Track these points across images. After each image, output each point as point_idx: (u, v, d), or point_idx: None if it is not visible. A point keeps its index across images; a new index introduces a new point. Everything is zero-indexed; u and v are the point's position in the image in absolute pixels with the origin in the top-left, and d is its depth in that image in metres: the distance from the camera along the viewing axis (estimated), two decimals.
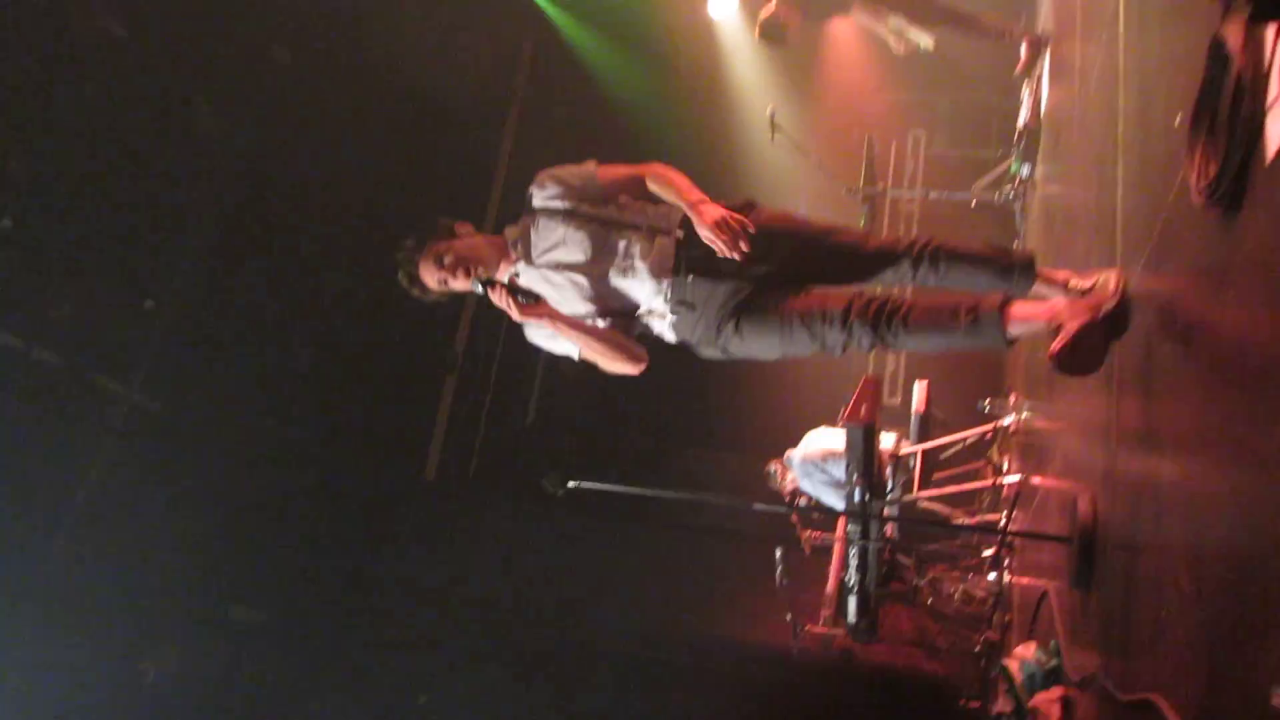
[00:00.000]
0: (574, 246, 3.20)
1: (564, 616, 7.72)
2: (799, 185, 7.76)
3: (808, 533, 5.94)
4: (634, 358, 3.26)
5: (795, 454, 6.00)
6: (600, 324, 3.28)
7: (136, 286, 6.38)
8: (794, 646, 6.18)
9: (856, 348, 2.98)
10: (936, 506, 5.96)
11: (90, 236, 5.89)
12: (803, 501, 6.06)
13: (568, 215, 3.18)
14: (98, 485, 6.20)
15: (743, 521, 7.15)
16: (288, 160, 6.90)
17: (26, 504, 5.76)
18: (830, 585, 6.28)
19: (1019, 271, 2.89)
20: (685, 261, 3.11)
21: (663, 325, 3.21)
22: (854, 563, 5.42)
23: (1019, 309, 2.78)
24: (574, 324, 3.20)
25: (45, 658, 5.80)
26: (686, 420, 8.18)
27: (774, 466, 6.07)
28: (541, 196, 3.25)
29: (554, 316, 3.15)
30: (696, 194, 3.06)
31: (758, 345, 3.11)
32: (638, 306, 3.20)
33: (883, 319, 2.90)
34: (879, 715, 7.03)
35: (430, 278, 3.22)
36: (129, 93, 5.94)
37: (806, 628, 6.10)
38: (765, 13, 6.46)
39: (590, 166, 3.26)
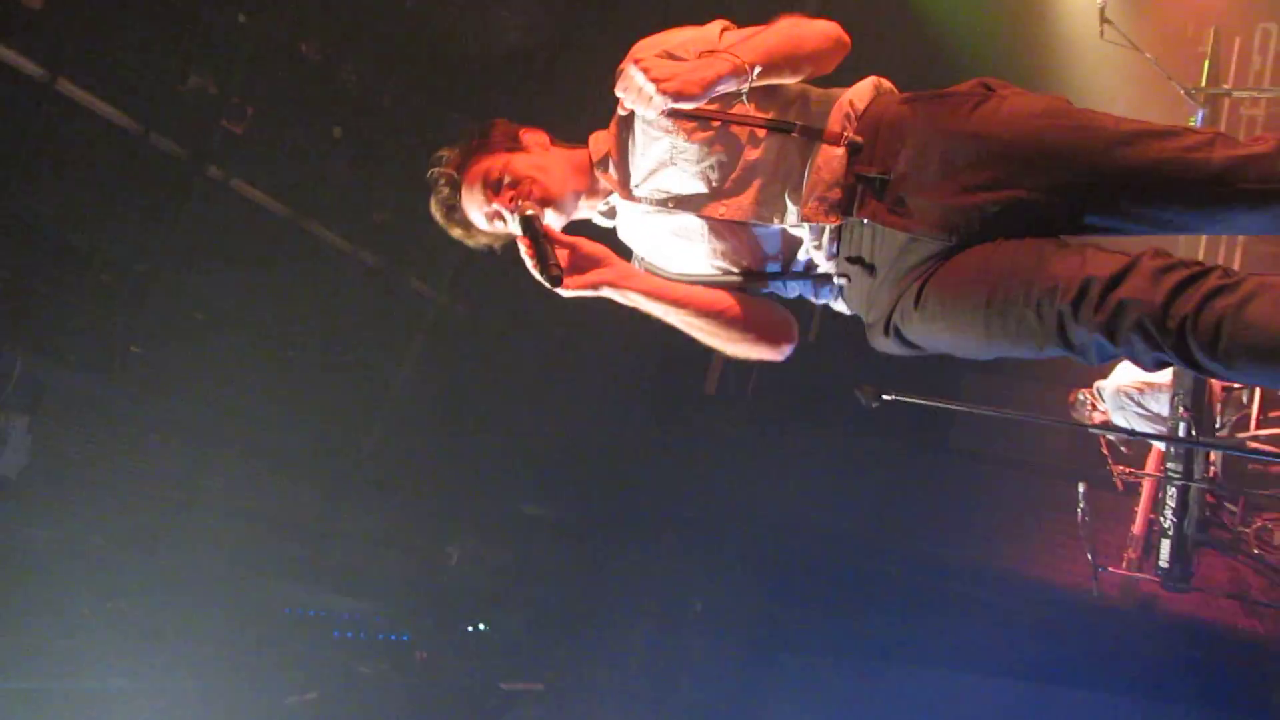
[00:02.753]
0: (688, 168, 2.06)
1: (842, 536, 7.62)
2: (1129, 87, 7.02)
3: (1120, 468, 5.49)
4: (769, 338, 2.16)
5: (1107, 384, 5.56)
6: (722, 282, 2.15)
7: None
8: (1093, 588, 5.80)
9: (1127, 358, 1.72)
10: (1272, 448, 5.35)
11: (406, 146, 6.26)
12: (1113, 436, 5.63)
13: (676, 114, 2.01)
14: (410, 381, 6.68)
15: (1043, 453, 6.75)
16: (576, 66, 6.99)
17: (349, 395, 6.30)
18: (1138, 526, 5.85)
19: None
20: (863, 191, 1.94)
21: (828, 294, 2.11)
22: (1171, 503, 5.00)
23: None
24: (663, 293, 2.10)
25: (368, 535, 6.40)
26: None
27: (1083, 395, 5.64)
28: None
29: (620, 284, 2.08)
30: (744, 48, 1.92)
31: (945, 332, 1.90)
32: (791, 262, 2.09)
33: (1198, 324, 1.56)
34: (1184, 670, 6.50)
35: (476, 209, 2.17)
36: (443, 6, 6.20)
37: (1108, 569, 5.71)
38: None
39: (715, 29, 2.09)
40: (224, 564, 5.33)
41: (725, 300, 2.13)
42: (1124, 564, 5.77)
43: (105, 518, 4.67)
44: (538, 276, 2.00)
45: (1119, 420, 5.48)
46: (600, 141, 2.21)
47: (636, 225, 2.20)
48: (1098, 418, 5.56)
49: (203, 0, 5.24)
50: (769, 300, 2.20)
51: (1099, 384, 5.58)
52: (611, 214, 2.25)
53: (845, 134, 1.97)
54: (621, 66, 2.01)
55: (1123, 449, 5.70)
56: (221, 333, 5.44)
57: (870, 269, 1.98)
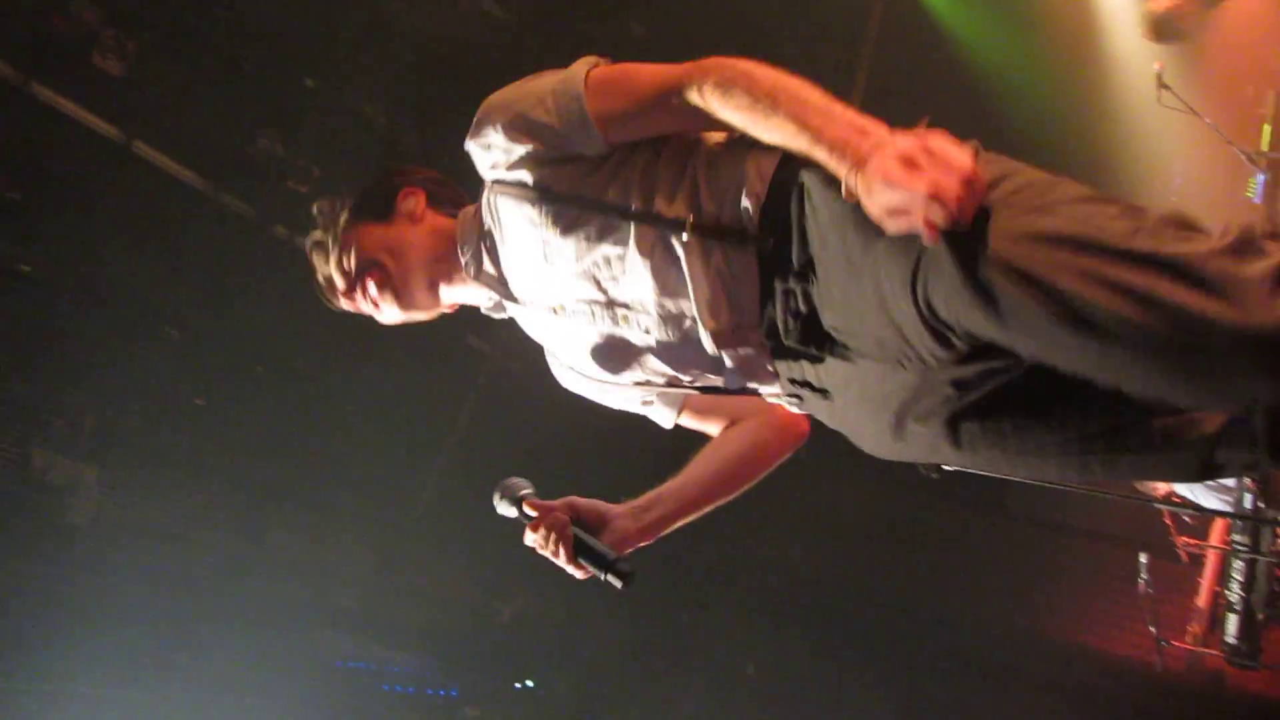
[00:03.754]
0: (567, 267, 1.65)
1: (899, 601, 7.49)
2: (1189, 151, 6.96)
3: (1183, 539, 5.34)
4: (784, 449, 1.89)
5: None
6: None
7: None
8: (1156, 662, 5.62)
9: None
10: None
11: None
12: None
13: (535, 201, 1.62)
14: (464, 436, 6.74)
15: (1104, 521, 6.61)
16: None
17: (404, 450, 6.37)
18: (1203, 599, 5.66)
19: None
20: (786, 308, 1.50)
21: (770, 395, 1.72)
22: (1238, 577, 4.85)
23: None
24: (684, 507, 1.89)
25: (421, 590, 6.42)
26: None
27: None
28: (487, 158, 1.69)
29: (650, 537, 1.88)
30: (830, 116, 1.37)
31: (1013, 471, 1.57)
32: (720, 374, 1.68)
33: None
34: None
35: (334, 255, 1.85)
36: (502, 74, 6.35)
37: (1171, 643, 5.53)
38: (1157, 4, 5.79)
39: (578, 79, 1.59)
40: (279, 614, 5.38)
41: (731, 454, 1.88)
42: (1188, 638, 5.58)
43: (166, 566, 4.76)
44: (603, 577, 1.75)
45: (1183, 489, 5.34)
46: (468, 225, 1.80)
47: (530, 321, 1.84)
48: (1162, 488, 5.43)
49: (271, 66, 5.44)
50: (753, 399, 1.77)
51: None
52: (499, 307, 1.88)
53: (749, 229, 1.48)
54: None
55: (1186, 519, 5.55)
56: (282, 387, 5.55)
57: (822, 394, 1.57)
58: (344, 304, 1.86)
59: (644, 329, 1.65)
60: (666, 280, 1.56)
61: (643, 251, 1.56)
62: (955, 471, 2.41)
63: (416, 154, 6.06)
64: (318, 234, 1.88)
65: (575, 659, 7.55)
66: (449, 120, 6.28)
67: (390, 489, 6.21)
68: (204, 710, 4.54)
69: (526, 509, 1.84)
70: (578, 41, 6.60)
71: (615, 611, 7.78)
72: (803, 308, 1.48)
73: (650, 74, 1.57)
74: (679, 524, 1.91)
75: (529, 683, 7.25)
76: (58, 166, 4.83)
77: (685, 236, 1.51)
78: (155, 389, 4.96)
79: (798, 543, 7.87)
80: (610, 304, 1.65)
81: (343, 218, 1.85)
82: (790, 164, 1.48)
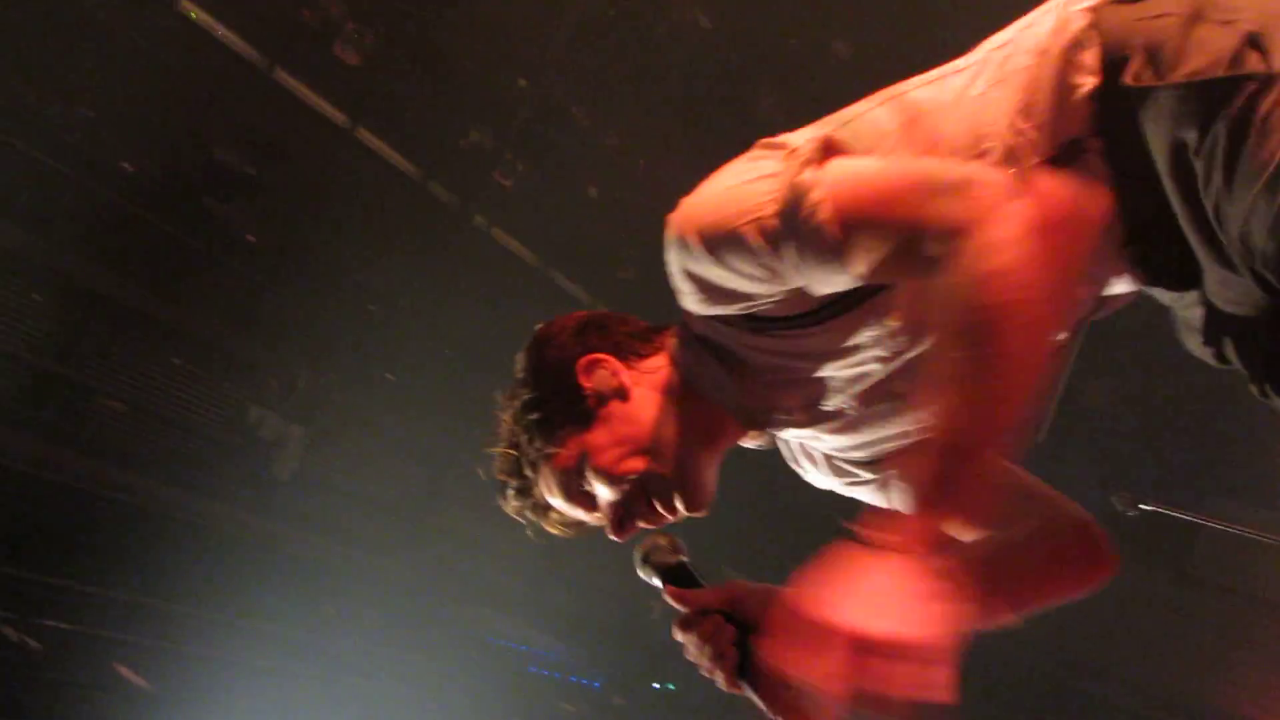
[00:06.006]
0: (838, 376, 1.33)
1: (1058, 655, 7.12)
2: None
3: None
4: (1081, 578, 1.37)
5: None
6: None
7: None
8: None
9: None
10: None
11: (657, 211, 6.51)
12: None
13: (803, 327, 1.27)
14: None
15: None
16: None
17: None
18: None
19: None
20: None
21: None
22: None
23: None
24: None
25: (574, 577, 6.57)
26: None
27: None
28: (707, 307, 1.29)
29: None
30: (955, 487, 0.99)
31: None
32: None
33: None
34: None
35: (559, 494, 1.42)
36: (704, 85, 6.44)
37: None
38: None
39: (818, 218, 1.13)
40: (442, 584, 5.61)
41: (997, 557, 1.30)
42: None
43: (351, 524, 5.05)
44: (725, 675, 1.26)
45: None
46: (708, 367, 1.35)
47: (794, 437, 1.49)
48: None
49: (489, 65, 5.72)
50: (1057, 504, 1.39)
51: None
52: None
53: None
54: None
55: None
56: (469, 370, 5.80)
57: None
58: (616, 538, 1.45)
59: None
60: None
61: None
62: (1143, 516, 2.25)
63: (615, 157, 6.22)
64: (521, 498, 1.46)
65: None
66: (650, 125, 6.42)
67: None
68: (357, 656, 4.75)
69: (670, 599, 1.33)
70: (771, 53, 6.60)
71: None
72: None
73: (904, 194, 1.12)
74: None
75: (670, 685, 7.28)
76: (289, 146, 5.22)
77: None
78: (355, 360, 5.27)
79: None
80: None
81: (534, 447, 1.38)
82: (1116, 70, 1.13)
